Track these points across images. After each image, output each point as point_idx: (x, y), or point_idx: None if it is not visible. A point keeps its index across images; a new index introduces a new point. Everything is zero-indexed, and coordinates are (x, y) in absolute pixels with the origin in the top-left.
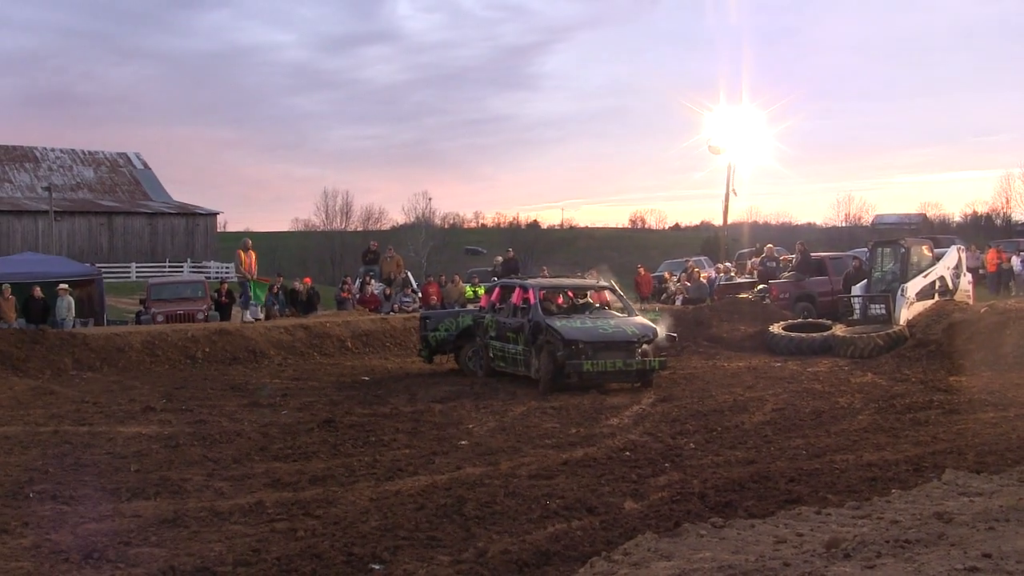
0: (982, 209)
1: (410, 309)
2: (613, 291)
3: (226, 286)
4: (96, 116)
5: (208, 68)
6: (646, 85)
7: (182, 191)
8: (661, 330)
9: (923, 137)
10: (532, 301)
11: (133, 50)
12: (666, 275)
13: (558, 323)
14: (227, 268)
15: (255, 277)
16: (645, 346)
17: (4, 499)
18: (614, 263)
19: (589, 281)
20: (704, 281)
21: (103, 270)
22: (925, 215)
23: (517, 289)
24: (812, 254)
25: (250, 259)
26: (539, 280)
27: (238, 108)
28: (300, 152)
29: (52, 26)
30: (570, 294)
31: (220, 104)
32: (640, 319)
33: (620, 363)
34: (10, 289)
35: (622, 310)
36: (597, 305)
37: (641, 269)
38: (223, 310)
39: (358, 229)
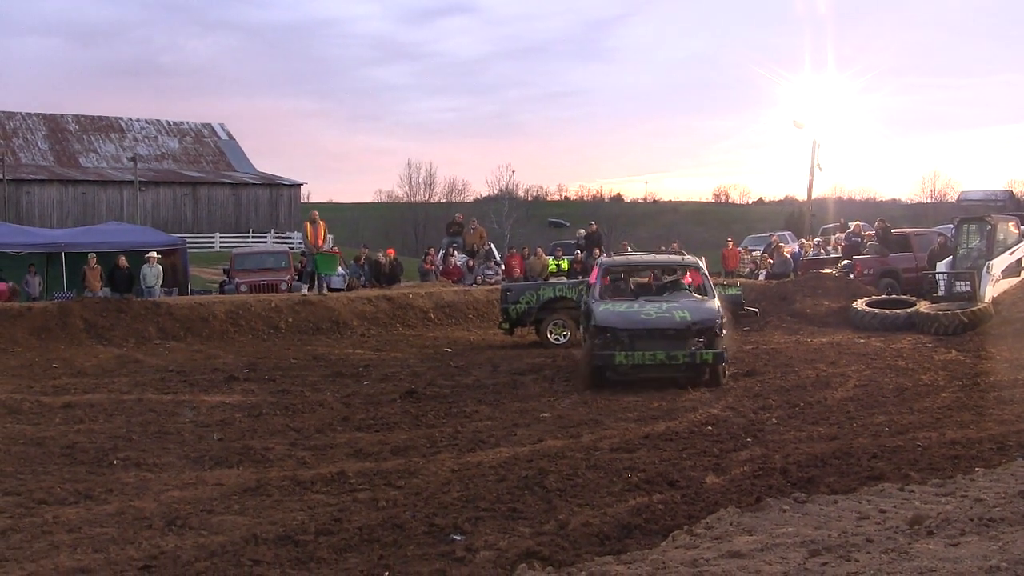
0: None
1: (492, 281)
2: (697, 268)
3: None
4: (179, 87)
5: (289, 39)
6: (728, 58)
7: (266, 162)
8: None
9: (1010, 112)
10: (592, 281)
11: (215, 21)
12: (741, 251)
13: (601, 307)
14: None
15: (322, 250)
16: (717, 333)
17: (89, 466)
18: (698, 237)
19: (673, 258)
20: (788, 256)
21: (187, 240)
22: (1012, 192)
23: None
24: (896, 231)
25: (316, 232)
26: (613, 258)
27: (320, 80)
28: (382, 124)
29: None
30: (642, 273)
31: (302, 75)
32: (707, 303)
33: (662, 355)
34: (96, 259)
35: (701, 290)
36: (685, 285)
37: (731, 243)
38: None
39: (441, 201)
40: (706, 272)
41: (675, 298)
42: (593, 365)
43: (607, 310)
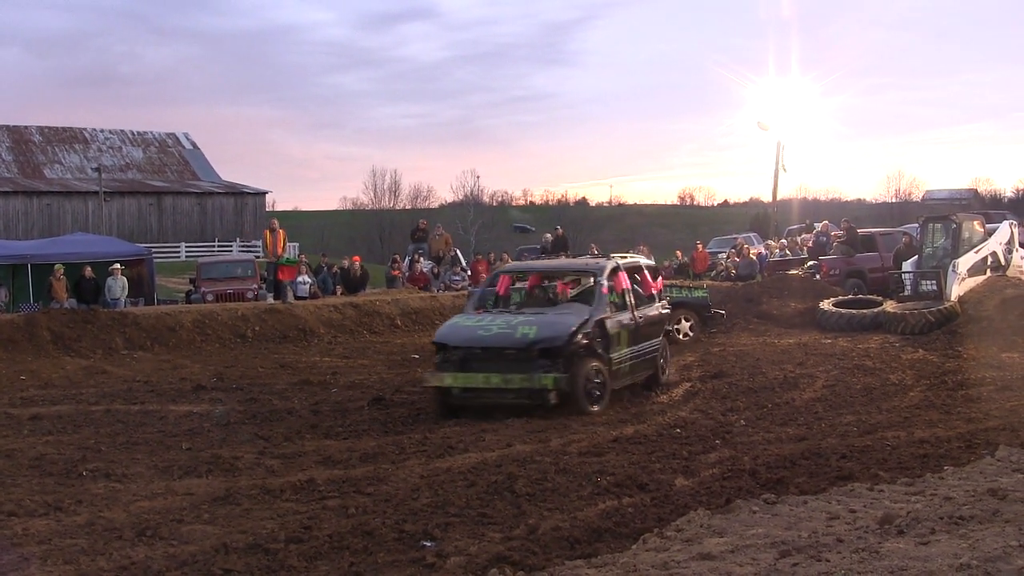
0: None
1: (459, 287)
2: (597, 274)
3: None
4: (141, 96)
5: (249, 47)
6: (691, 61)
7: (231, 171)
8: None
9: (974, 112)
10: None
11: (173, 29)
12: (678, 253)
13: (454, 319)
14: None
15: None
16: (572, 352)
17: (58, 477)
18: (664, 240)
19: (576, 262)
20: (754, 258)
21: (153, 250)
22: (976, 190)
23: None
24: (861, 231)
25: (276, 240)
26: (516, 264)
27: (281, 87)
28: (345, 131)
29: (90, 5)
30: (530, 281)
31: (263, 83)
32: (568, 316)
33: (497, 379)
34: (62, 269)
35: (588, 298)
36: (606, 293)
37: (699, 245)
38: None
39: (407, 207)
40: (602, 280)
41: (545, 310)
42: (432, 388)
43: (451, 324)
